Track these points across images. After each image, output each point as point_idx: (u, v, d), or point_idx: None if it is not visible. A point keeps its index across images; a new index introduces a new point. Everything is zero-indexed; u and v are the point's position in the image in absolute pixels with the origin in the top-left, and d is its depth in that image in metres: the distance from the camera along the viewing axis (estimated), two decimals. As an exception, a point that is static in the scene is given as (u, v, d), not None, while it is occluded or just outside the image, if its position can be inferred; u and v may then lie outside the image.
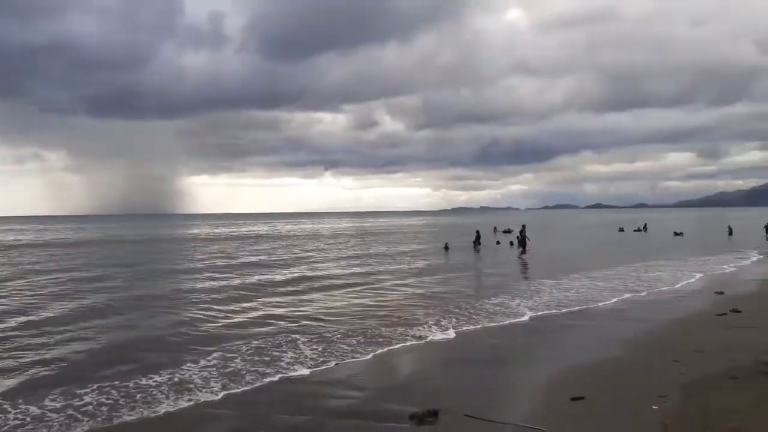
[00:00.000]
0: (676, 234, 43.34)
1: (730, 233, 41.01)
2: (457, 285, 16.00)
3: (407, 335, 9.34)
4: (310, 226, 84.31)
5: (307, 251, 31.44)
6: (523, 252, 26.93)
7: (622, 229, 53.57)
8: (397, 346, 8.69)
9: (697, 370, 6.53)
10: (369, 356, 8.10)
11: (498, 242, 33.93)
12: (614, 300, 12.75)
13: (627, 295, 13.42)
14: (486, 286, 15.96)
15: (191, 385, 6.75)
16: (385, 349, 8.46)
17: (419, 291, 14.92)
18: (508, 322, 10.49)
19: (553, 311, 11.49)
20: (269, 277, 18.85)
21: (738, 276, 17.08)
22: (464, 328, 9.99)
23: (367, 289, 15.61)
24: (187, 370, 7.37)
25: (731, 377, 6.13)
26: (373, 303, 13.01)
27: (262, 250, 32.60)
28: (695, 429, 4.83)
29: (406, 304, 12.61)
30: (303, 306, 12.68)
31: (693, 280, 16.26)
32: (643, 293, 13.74)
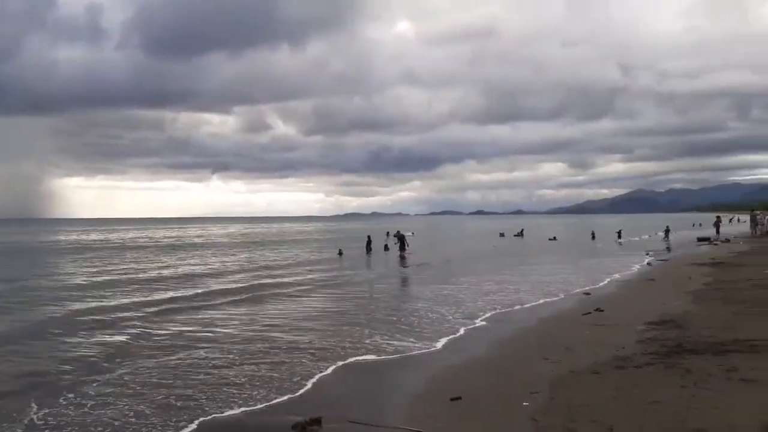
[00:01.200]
0: (550, 239, 46.55)
1: (593, 237, 45.14)
2: (359, 297, 16.02)
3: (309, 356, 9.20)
4: (195, 231, 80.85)
5: (184, 261, 28.49)
6: (402, 251, 30.73)
7: (502, 234, 56.65)
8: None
9: (564, 367, 6.99)
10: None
11: (386, 247, 34.53)
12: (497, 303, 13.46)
13: (516, 296, 14.19)
14: (395, 295, 16.13)
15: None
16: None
17: (316, 306, 13.68)
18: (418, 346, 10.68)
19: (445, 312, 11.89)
20: (142, 297, 15.09)
21: (603, 277, 18.60)
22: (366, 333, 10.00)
23: (265, 303, 14.07)
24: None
25: (593, 372, 6.63)
26: (278, 322, 11.49)
27: (140, 259, 30.70)
28: (561, 422, 5.16)
29: (306, 323, 12.40)
30: (194, 326, 11.42)
31: (564, 280, 17.55)
32: (524, 295, 14.62)
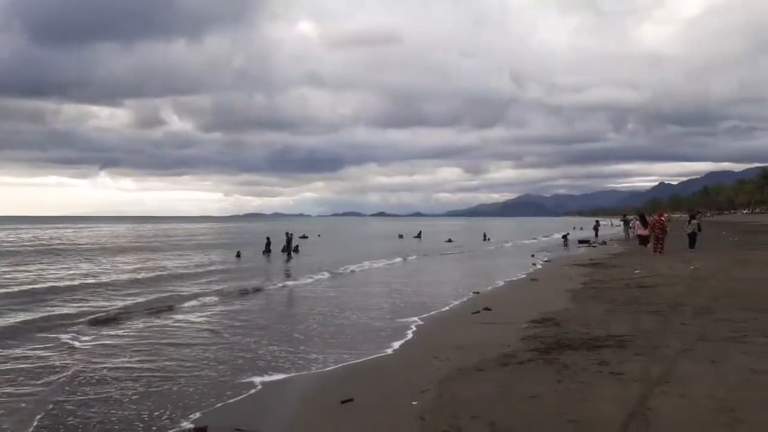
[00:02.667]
0: (446, 241, 48.17)
1: (485, 239, 47.34)
2: (253, 310, 15.55)
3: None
4: (75, 232, 75.28)
5: (45, 269, 23.27)
6: (289, 255, 31.06)
7: (401, 236, 57.91)
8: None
9: (453, 365, 7.19)
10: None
11: (288, 248, 34.03)
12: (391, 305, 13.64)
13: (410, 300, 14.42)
14: (287, 303, 15.80)
15: None
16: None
17: (207, 321, 11.86)
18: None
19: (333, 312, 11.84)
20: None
21: (492, 277, 19.46)
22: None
23: (163, 322, 11.63)
24: None
25: (479, 370, 6.87)
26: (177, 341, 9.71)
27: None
28: (447, 419, 5.28)
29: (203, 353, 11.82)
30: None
31: (456, 280, 18.20)
32: (417, 296, 14.94)
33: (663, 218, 25.23)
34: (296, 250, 34.56)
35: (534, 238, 52.29)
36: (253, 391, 6.85)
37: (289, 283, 18.89)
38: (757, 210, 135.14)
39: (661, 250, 23.15)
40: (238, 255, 31.51)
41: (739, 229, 47.99)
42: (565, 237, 44.81)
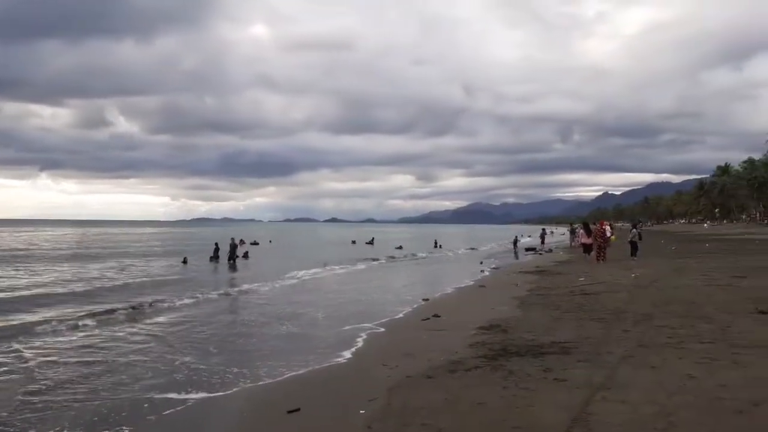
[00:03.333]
0: (396, 248, 48.41)
1: (436, 246, 47.90)
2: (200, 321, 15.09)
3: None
4: (8, 235, 71.72)
5: None
6: (234, 262, 30.13)
7: (354, 242, 57.98)
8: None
9: (402, 373, 7.18)
10: None
11: (245, 254, 33.26)
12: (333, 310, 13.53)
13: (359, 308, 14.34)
14: (230, 311, 15.44)
15: None
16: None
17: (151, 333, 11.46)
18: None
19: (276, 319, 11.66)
20: None
21: (442, 283, 19.64)
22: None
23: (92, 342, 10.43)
24: None
25: (428, 377, 6.88)
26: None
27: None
28: (395, 427, 5.26)
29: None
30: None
31: (406, 287, 18.26)
32: (366, 304, 14.90)
33: (606, 227, 26.08)
34: (246, 256, 34.15)
35: (483, 246, 53.16)
36: (191, 404, 6.63)
37: (237, 290, 18.50)
38: (693, 220, 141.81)
39: (604, 259, 23.93)
40: (185, 261, 30.80)
41: (677, 238, 50.24)
42: (515, 242, 45.96)
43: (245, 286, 19.28)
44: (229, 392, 7.03)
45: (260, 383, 7.40)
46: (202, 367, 8.23)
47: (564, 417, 5.11)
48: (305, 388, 7.04)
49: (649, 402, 5.33)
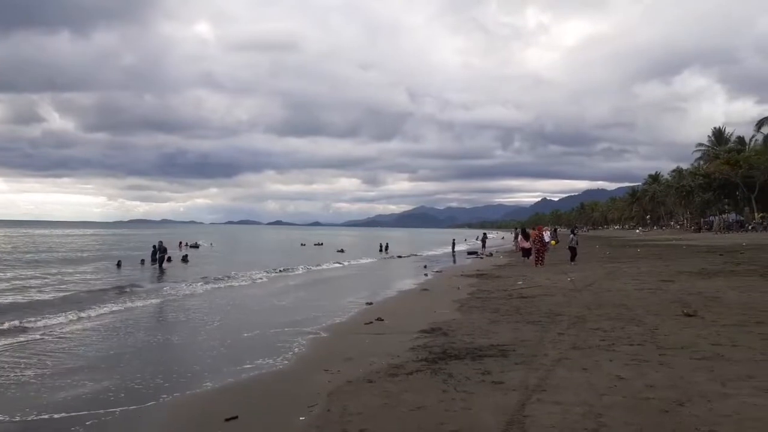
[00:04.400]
0: (338, 251, 48.41)
1: (381, 249, 48.04)
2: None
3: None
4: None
5: None
6: (160, 266, 29.48)
7: (303, 245, 57.91)
8: None
9: (343, 378, 7.14)
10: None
11: (155, 260, 31.87)
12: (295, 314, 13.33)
13: (314, 314, 14.18)
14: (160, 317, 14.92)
15: None
16: None
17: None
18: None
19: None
20: None
21: (386, 287, 19.70)
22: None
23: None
24: None
25: (368, 381, 6.87)
26: None
27: None
28: (334, 433, 5.23)
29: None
30: None
31: (350, 291, 18.20)
32: (308, 309, 14.76)
33: (544, 232, 26.88)
34: (185, 259, 33.60)
35: (427, 250, 53.72)
36: (117, 416, 6.37)
37: (170, 295, 17.95)
38: (626, 226, 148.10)
39: (542, 263, 24.65)
40: (119, 264, 29.73)
41: (610, 243, 52.33)
42: (453, 246, 46.76)
43: (180, 291, 18.73)
44: (161, 401, 6.79)
45: (196, 391, 7.19)
46: (131, 377, 7.92)
47: (500, 419, 5.21)
48: (244, 395, 6.89)
49: (580, 403, 5.51)
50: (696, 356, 7.13)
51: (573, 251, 26.56)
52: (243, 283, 21.80)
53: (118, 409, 6.44)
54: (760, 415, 4.97)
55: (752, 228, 63.98)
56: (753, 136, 75.49)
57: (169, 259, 32.59)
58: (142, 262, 31.47)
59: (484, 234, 56.87)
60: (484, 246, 49.67)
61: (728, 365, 6.65)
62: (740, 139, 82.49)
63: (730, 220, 75.25)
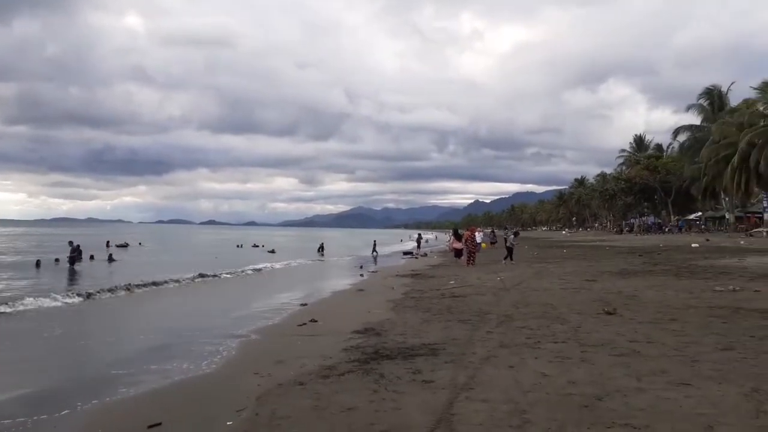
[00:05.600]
0: (269, 252, 47.81)
1: (320, 249, 47.80)
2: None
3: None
4: None
5: None
6: (72, 265, 27.73)
7: (240, 246, 56.91)
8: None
9: (273, 380, 7.02)
10: None
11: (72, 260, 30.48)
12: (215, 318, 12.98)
13: (236, 314, 13.84)
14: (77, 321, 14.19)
15: None
16: None
17: None
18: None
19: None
20: None
21: (321, 288, 19.58)
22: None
23: None
24: None
25: (299, 383, 6.79)
26: None
27: None
28: (262, 438, 5.12)
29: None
30: None
31: (284, 292, 17.98)
32: (240, 309, 14.45)
33: (476, 233, 27.53)
34: (111, 259, 32.21)
35: (364, 250, 53.81)
36: (37, 424, 6.01)
37: (90, 297, 17.12)
38: (554, 227, 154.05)
39: (473, 263, 25.24)
40: (38, 264, 28.09)
41: (539, 244, 54.22)
42: (374, 247, 46.88)
43: (103, 293, 17.89)
44: (78, 409, 6.45)
45: (117, 398, 6.87)
46: (44, 383, 7.49)
47: (429, 418, 5.28)
48: (168, 401, 6.66)
49: (506, 400, 5.66)
50: (614, 353, 7.48)
51: (510, 251, 27.28)
52: (171, 285, 21.07)
53: (29, 419, 6.06)
54: (670, 407, 5.27)
55: (669, 230, 68.03)
56: (670, 144, 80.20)
57: (91, 258, 31.16)
58: (57, 261, 29.93)
59: (419, 235, 57.66)
60: (419, 246, 50.34)
61: (643, 361, 7.02)
62: (659, 146, 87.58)
63: (649, 223, 79.76)
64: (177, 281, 21.84)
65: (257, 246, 56.94)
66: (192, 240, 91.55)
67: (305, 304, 14.81)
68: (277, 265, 32.88)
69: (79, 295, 16.81)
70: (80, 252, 30.16)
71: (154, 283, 20.48)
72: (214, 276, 24.80)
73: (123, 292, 18.04)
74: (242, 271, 27.93)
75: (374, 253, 43.35)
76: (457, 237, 28.28)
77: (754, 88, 54.69)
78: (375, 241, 49.60)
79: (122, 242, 53.46)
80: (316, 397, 6.17)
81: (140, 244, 59.58)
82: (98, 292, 17.85)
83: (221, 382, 7.35)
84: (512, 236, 29.52)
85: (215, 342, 10.02)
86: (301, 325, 11.23)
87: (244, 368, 7.89)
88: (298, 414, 5.68)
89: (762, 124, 49.25)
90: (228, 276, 25.47)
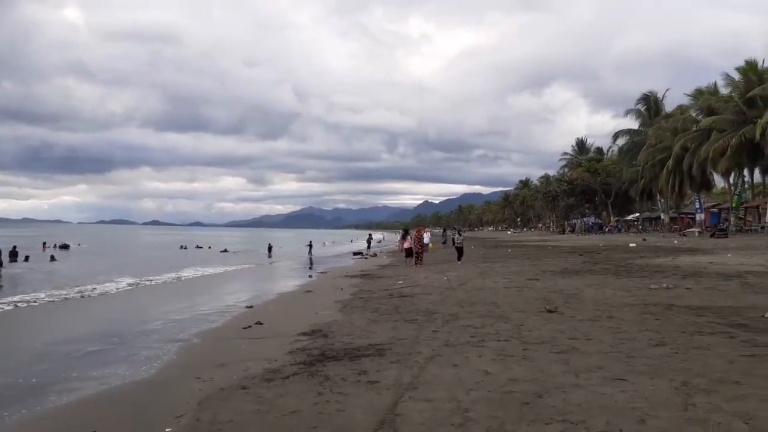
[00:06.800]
0: (222, 251, 46.85)
1: (269, 250, 47.14)
2: None
3: None
4: None
5: None
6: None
7: (184, 247, 55.65)
8: None
9: (215, 385, 6.86)
10: None
11: (52, 257, 29.32)
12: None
13: (180, 316, 13.44)
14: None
15: None
16: None
17: None
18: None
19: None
20: None
21: (268, 290, 19.30)
22: None
23: None
24: None
25: (242, 387, 6.65)
26: None
27: None
28: (202, 445, 4.99)
29: None
30: None
31: (230, 294, 17.64)
32: (182, 313, 14.06)
33: (424, 234, 27.82)
34: (52, 259, 30.94)
35: (313, 251, 53.41)
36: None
37: (21, 301, 16.31)
38: (500, 227, 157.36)
39: (421, 262, 25.48)
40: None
41: (485, 243, 55.24)
42: (310, 248, 46.50)
43: (39, 295, 17.07)
44: (5, 419, 6.11)
45: (48, 406, 6.56)
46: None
47: (373, 419, 5.27)
48: (103, 408, 6.39)
49: (450, 399, 5.72)
50: (555, 350, 7.68)
51: (460, 251, 27.62)
52: (109, 288, 20.31)
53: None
54: (606, 402, 5.44)
55: (608, 230, 70.62)
56: (610, 147, 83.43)
57: (26, 259, 29.78)
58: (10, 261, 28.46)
59: (370, 235, 57.77)
60: (369, 246, 50.43)
61: (582, 357, 7.23)
62: (599, 150, 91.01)
63: (590, 223, 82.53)
64: (116, 284, 21.07)
65: (201, 247, 55.72)
66: (134, 241, 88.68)
67: (251, 307, 14.56)
68: (223, 267, 32.23)
69: (9, 300, 15.96)
70: (16, 253, 28.84)
71: (92, 287, 19.69)
72: (156, 278, 24.06)
73: (58, 297, 17.23)
74: (184, 274, 27.20)
75: (310, 255, 43.14)
76: (407, 237, 28.51)
77: (687, 95, 57.78)
78: (311, 242, 49.30)
79: (62, 243, 51.43)
80: (259, 401, 6.06)
81: (79, 245, 57.53)
82: (31, 296, 17.00)
83: (160, 388, 7.12)
84: (458, 236, 29.97)
85: (155, 346, 9.71)
86: (246, 328, 11.02)
87: (185, 373, 7.67)
88: (240, 418, 5.57)
89: (694, 129, 51.91)
90: (170, 278, 24.75)
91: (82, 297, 17.50)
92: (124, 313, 14.59)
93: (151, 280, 23.25)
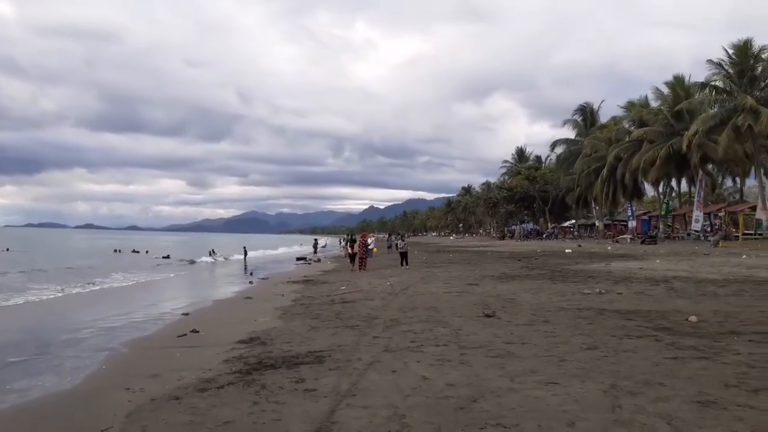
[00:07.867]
0: (163, 257, 45.37)
1: (210, 255, 46.00)
2: None
3: None
4: None
5: None
6: None
7: (118, 251, 54.00)
8: None
9: (146, 396, 6.60)
10: None
11: None
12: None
13: (106, 324, 12.87)
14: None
15: None
16: None
17: None
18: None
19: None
20: None
21: (206, 296, 18.78)
22: None
23: None
24: None
25: (175, 398, 6.43)
26: None
27: None
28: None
29: None
30: None
31: (166, 301, 17.04)
32: (114, 319, 13.49)
33: (368, 239, 27.87)
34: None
35: (255, 256, 52.48)
36: None
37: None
38: (443, 233, 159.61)
39: (365, 268, 25.49)
40: None
41: (428, 249, 55.83)
42: (245, 253, 45.91)
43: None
44: None
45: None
46: None
47: (309, 428, 5.19)
48: (23, 422, 6.04)
49: (387, 405, 5.71)
50: (491, 354, 7.81)
51: (403, 255, 27.75)
52: (35, 296, 19.25)
53: None
54: (538, 406, 5.57)
55: (546, 236, 72.81)
56: (548, 156, 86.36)
57: None
58: None
59: (315, 240, 57.38)
60: (315, 251, 50.06)
61: (517, 362, 7.39)
62: (538, 158, 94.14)
63: (529, 229, 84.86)
64: (42, 290, 20.00)
65: (137, 251, 53.92)
66: (66, 245, 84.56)
67: (187, 314, 14.11)
68: (161, 273, 31.20)
69: None
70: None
71: (15, 294, 18.61)
72: (86, 284, 23.00)
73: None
74: (117, 280, 26.15)
75: (245, 261, 42.45)
76: (352, 242, 28.50)
77: (621, 107, 60.58)
78: (245, 247, 48.59)
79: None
80: (191, 411, 5.87)
81: (8, 249, 54.70)
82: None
83: (86, 399, 6.78)
84: (401, 241, 30.15)
85: (82, 356, 9.26)
86: (180, 336, 10.67)
87: (114, 383, 7.33)
88: (171, 430, 5.38)
89: (627, 140, 54.39)
90: (101, 284, 23.70)
91: (3, 304, 16.49)
92: (49, 322, 13.85)
93: (80, 286, 22.19)
